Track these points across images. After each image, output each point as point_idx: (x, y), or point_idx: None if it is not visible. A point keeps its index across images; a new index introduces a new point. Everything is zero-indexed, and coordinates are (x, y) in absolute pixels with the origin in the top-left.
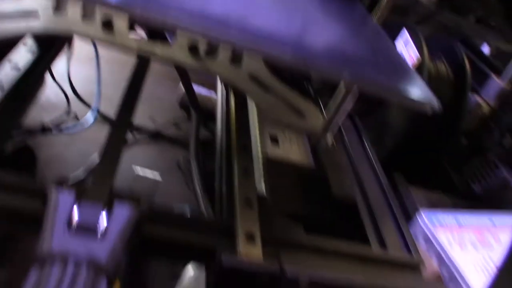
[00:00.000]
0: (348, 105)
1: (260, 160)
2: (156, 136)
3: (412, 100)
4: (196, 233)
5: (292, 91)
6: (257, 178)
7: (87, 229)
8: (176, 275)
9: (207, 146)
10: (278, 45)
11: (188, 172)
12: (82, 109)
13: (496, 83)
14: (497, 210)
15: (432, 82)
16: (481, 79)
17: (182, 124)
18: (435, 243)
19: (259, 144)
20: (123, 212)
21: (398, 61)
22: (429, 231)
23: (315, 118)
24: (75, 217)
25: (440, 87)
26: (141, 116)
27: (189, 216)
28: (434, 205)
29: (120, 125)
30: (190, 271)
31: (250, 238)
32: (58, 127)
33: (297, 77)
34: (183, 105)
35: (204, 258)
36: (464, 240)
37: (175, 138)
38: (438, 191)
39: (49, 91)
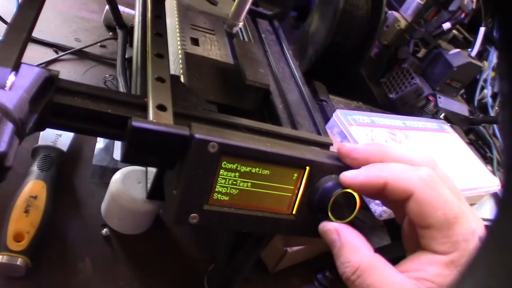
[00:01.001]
0: None
1: (178, 53)
2: (81, 55)
3: None
4: (108, 104)
5: None
6: (175, 68)
7: None
8: (106, 184)
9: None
10: None
11: (115, 88)
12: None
13: (413, 1)
14: (409, 115)
15: None
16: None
17: (108, 44)
18: (348, 137)
19: (178, 42)
20: (32, 70)
21: None
22: (343, 127)
23: (227, 5)
24: None
25: (358, 1)
26: (67, 38)
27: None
28: (353, 109)
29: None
30: (117, 175)
31: (161, 108)
32: None
33: None
34: (109, 26)
35: (115, 128)
36: (376, 136)
37: (101, 56)
38: (358, 99)
39: None
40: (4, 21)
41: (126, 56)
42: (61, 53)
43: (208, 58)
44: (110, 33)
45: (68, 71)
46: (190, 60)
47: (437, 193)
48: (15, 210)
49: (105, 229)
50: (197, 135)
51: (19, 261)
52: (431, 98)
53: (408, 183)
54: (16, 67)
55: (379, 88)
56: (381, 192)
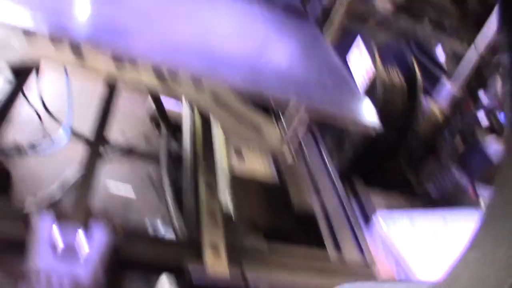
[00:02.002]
0: (299, 122)
1: (226, 175)
2: (128, 152)
3: (356, 124)
4: (167, 249)
5: (250, 109)
6: (222, 192)
7: (70, 251)
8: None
9: (177, 159)
10: (232, 70)
11: (160, 185)
12: (55, 127)
13: (447, 86)
14: (450, 209)
15: (386, 92)
16: (433, 81)
17: (152, 136)
18: (390, 245)
19: (224, 158)
20: (102, 237)
21: (345, 81)
22: (384, 233)
23: (271, 133)
24: (58, 239)
25: (394, 96)
26: (112, 130)
27: (161, 231)
28: (392, 206)
29: (95, 146)
30: (164, 281)
31: (214, 249)
32: (33, 147)
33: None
34: (153, 118)
35: (175, 270)
36: (417, 240)
37: (146, 153)
38: (396, 192)
39: (22, 111)
40: (55, 118)
41: (170, 150)
42: (108, 150)
43: (253, 179)
44: (154, 126)
45: (116, 168)
46: (235, 181)
47: None
48: None
49: None
50: (250, 281)
51: None
52: (471, 189)
53: None
54: (86, 224)
55: (416, 177)
56: None
